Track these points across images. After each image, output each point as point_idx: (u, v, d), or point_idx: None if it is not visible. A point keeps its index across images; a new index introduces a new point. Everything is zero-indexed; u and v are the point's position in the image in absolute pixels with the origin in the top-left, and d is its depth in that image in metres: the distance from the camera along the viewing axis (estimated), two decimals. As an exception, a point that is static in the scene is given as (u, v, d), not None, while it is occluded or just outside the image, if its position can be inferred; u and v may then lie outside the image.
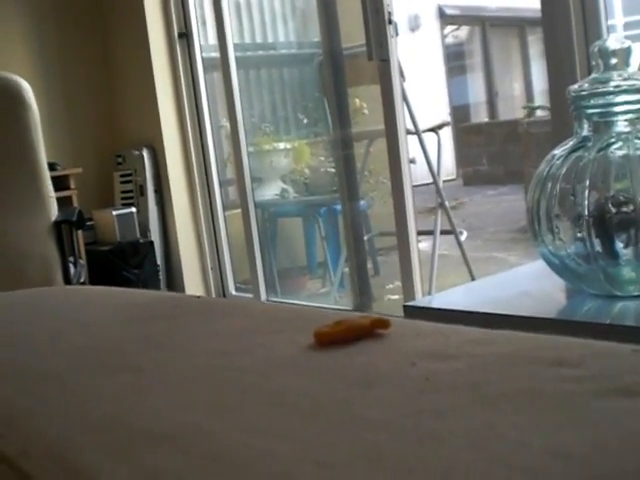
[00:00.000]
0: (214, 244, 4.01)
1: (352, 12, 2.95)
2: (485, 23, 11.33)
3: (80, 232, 3.46)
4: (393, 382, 0.69)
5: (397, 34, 2.78)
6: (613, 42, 1.43)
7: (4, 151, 2.71)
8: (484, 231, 5.95)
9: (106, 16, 4.16)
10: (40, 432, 0.69)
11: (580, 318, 1.39)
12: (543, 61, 2.23)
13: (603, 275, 1.37)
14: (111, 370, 0.84)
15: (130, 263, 3.83)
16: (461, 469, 0.50)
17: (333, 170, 3.92)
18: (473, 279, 3.31)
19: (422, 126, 3.38)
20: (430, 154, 3.40)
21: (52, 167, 3.22)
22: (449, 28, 11.35)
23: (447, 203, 3.43)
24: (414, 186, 2.92)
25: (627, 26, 2.81)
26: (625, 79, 1.40)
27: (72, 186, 3.78)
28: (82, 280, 2.87)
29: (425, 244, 3.89)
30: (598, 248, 1.36)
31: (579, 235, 1.37)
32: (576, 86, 1.45)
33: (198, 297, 1.24)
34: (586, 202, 1.35)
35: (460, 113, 10.82)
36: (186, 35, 3.90)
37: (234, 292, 4.02)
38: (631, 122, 1.40)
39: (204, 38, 4.02)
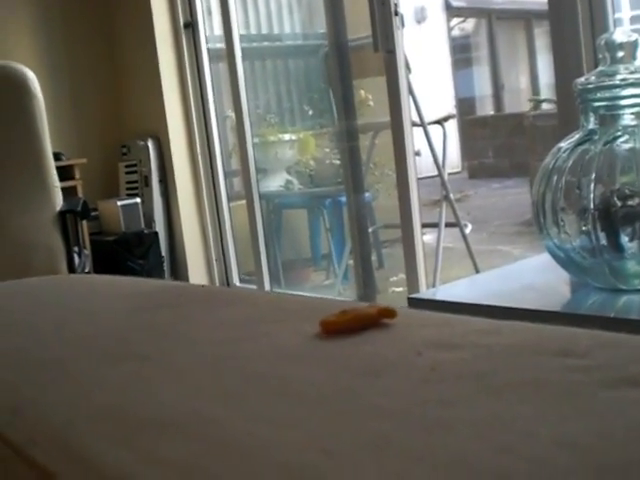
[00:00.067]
0: (219, 235, 4.01)
1: (358, 3, 2.94)
2: (491, 15, 11.29)
3: (85, 222, 3.47)
4: (399, 371, 0.69)
5: (403, 26, 2.77)
6: (620, 35, 1.42)
7: (9, 141, 2.72)
8: (489, 224, 5.94)
9: (112, 6, 4.16)
10: (46, 420, 0.69)
11: (584, 311, 1.39)
12: (549, 54, 2.22)
13: (608, 268, 1.36)
14: (116, 359, 0.84)
15: (135, 253, 3.83)
16: (467, 458, 0.50)
17: (338, 162, 3.92)
18: (477, 272, 3.31)
19: (427, 118, 3.38)
20: (435, 146, 3.39)
21: (57, 157, 3.22)
22: (455, 20, 11.31)
23: (452, 196, 3.42)
24: (419, 178, 2.92)
25: (634, 19, 2.80)
26: (632, 72, 1.39)
27: (77, 176, 3.78)
28: (87, 270, 2.88)
29: (430, 237, 3.89)
30: (603, 241, 1.36)
31: (584, 228, 1.37)
32: (583, 79, 1.45)
33: (203, 286, 1.24)
34: (592, 195, 1.35)
35: (466, 106, 10.79)
36: (192, 25, 3.90)
37: (238, 283, 4.02)
38: (637, 115, 1.39)
39: (210, 29, 4.01)
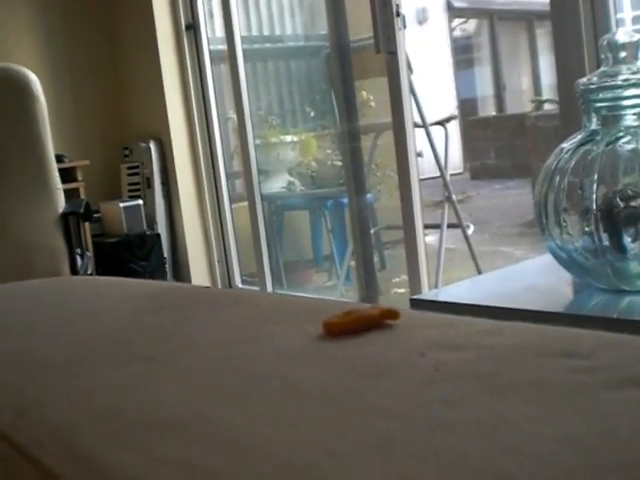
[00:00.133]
0: (221, 237, 4.01)
1: (360, 4, 2.94)
2: (493, 16, 11.29)
3: (87, 224, 3.47)
4: (402, 372, 0.70)
5: (405, 27, 2.77)
6: (622, 35, 1.42)
7: (12, 143, 2.72)
8: (491, 225, 5.94)
9: (113, 7, 4.16)
10: (50, 420, 0.69)
11: (587, 312, 1.39)
12: (551, 54, 2.22)
13: (611, 269, 1.36)
14: (119, 360, 0.84)
15: (137, 255, 3.83)
16: (471, 458, 0.50)
17: (340, 163, 3.92)
18: (480, 273, 3.31)
19: (429, 119, 3.38)
20: (437, 147, 3.39)
21: (59, 159, 3.22)
22: (457, 21, 11.32)
23: (454, 197, 3.42)
24: (421, 179, 2.92)
25: (636, 20, 2.80)
26: (634, 73, 1.39)
27: (79, 178, 3.78)
28: (89, 272, 2.88)
29: (432, 238, 3.89)
30: (606, 242, 1.35)
31: (587, 229, 1.36)
32: (585, 79, 1.45)
33: (206, 288, 1.24)
34: (594, 196, 1.35)
35: (468, 106, 10.79)
36: (193, 27, 3.90)
37: (240, 285, 4.03)
38: (640, 116, 1.39)
39: (211, 30, 4.02)
